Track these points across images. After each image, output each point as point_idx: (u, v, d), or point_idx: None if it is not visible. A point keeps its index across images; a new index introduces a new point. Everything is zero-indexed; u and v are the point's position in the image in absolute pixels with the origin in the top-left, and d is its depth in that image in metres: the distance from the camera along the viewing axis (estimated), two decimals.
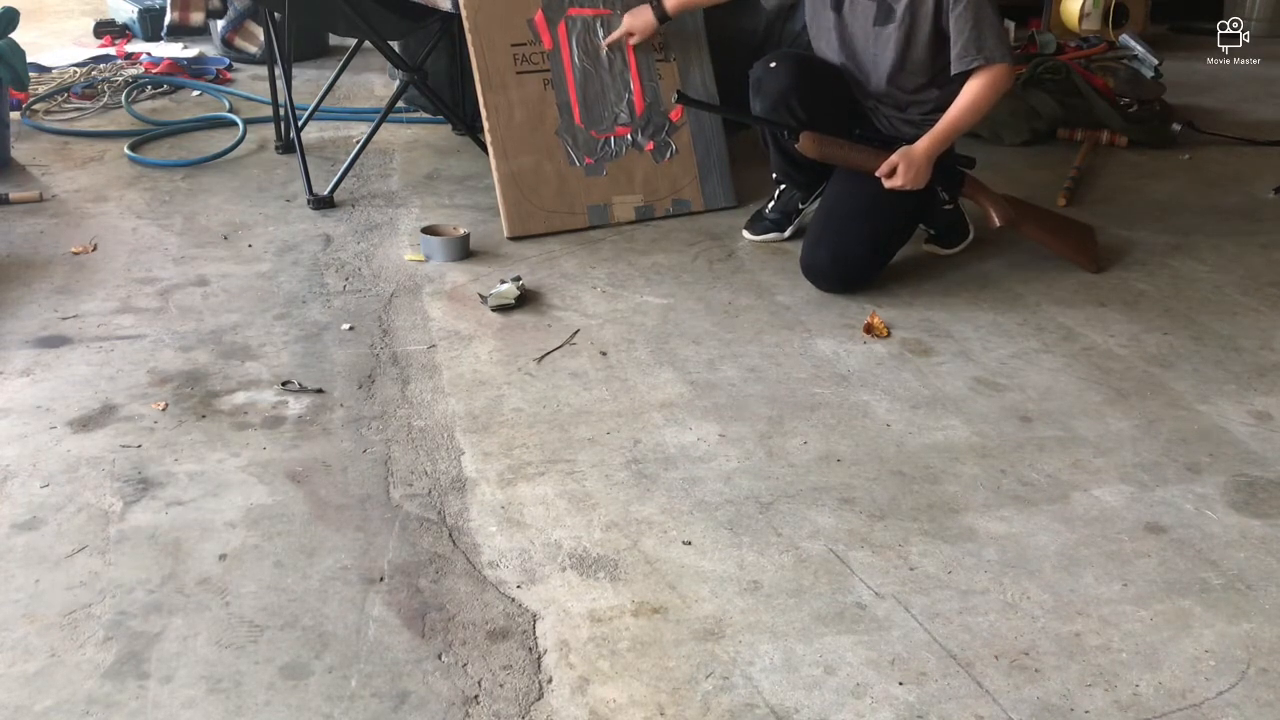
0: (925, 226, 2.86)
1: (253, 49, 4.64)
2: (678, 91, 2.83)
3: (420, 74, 3.21)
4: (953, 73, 2.51)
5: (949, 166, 2.64)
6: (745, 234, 2.96)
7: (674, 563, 1.69)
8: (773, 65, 2.65)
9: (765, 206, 2.97)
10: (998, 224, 2.72)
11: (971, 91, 2.49)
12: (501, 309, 2.50)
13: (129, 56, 4.54)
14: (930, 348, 2.39)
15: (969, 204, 2.82)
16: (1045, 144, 3.81)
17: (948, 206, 2.82)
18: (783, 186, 2.93)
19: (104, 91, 4.04)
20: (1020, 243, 2.85)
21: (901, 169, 2.50)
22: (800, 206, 2.93)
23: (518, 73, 2.96)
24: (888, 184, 2.53)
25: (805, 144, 2.58)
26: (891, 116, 2.68)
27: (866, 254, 2.62)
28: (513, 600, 1.61)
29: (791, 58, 2.69)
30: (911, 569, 1.69)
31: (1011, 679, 1.48)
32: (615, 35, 3.02)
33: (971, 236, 2.89)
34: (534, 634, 1.54)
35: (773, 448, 2.00)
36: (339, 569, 1.66)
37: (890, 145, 2.56)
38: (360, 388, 2.17)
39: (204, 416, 2.06)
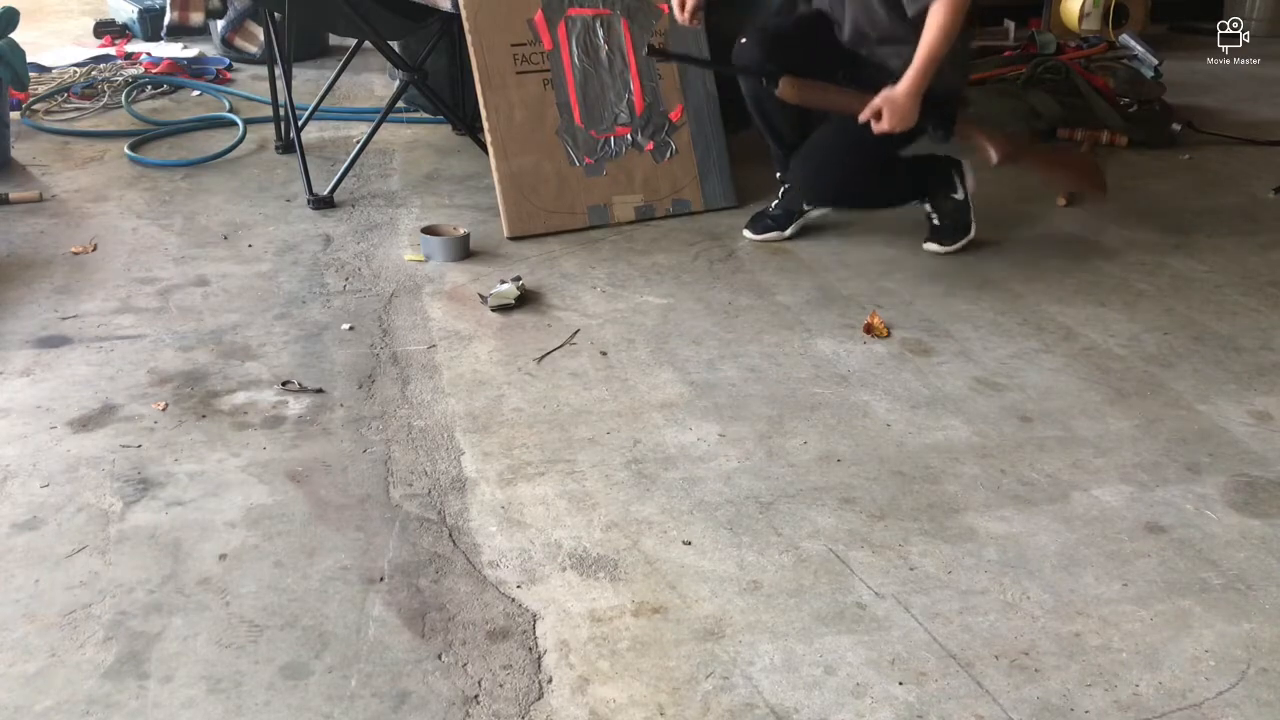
0: (930, 214, 2.85)
1: (253, 49, 4.64)
2: (648, 45, 2.78)
3: (420, 74, 3.22)
4: (909, 15, 2.51)
5: (941, 101, 2.61)
6: (746, 233, 2.95)
7: (674, 563, 1.69)
8: (743, 41, 2.69)
9: (768, 206, 2.97)
10: (995, 161, 2.70)
11: (936, 19, 2.46)
12: (501, 309, 2.50)
13: (129, 56, 4.54)
14: (930, 348, 2.39)
15: (974, 189, 2.80)
16: (1045, 144, 3.81)
17: (957, 196, 2.81)
18: (787, 185, 2.93)
19: (104, 91, 4.05)
20: (1020, 242, 2.85)
21: (887, 112, 2.49)
22: (804, 208, 2.93)
23: (518, 73, 2.96)
24: (876, 128, 2.51)
25: (785, 89, 2.57)
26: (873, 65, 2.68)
27: (857, 160, 2.63)
28: (513, 600, 1.61)
29: (761, 31, 2.70)
30: (911, 569, 1.69)
31: (1011, 679, 1.48)
32: None
33: (972, 234, 2.88)
34: (534, 634, 1.54)
35: (773, 448, 2.00)
36: (339, 569, 1.66)
37: (875, 87, 2.53)
38: (360, 388, 2.17)
39: (204, 416, 2.06)
